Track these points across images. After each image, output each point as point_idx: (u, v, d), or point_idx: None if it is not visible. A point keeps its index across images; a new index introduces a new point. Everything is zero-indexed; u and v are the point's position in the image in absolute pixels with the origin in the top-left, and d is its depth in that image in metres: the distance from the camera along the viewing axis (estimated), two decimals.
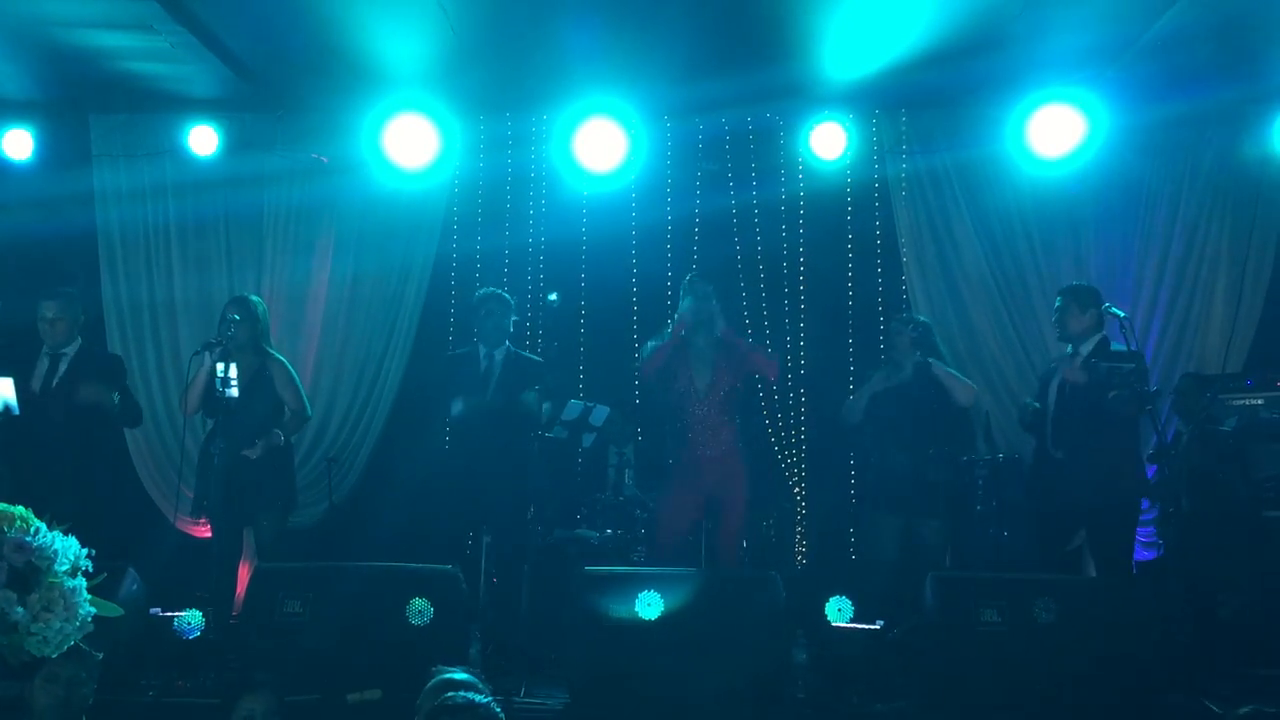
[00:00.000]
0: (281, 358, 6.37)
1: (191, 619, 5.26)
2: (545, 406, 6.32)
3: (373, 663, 5.08)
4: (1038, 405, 6.09)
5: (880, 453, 6.27)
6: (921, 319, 6.57)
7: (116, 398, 6.22)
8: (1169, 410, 6.90)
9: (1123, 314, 5.99)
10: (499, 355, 6.45)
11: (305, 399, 6.39)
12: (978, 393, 6.49)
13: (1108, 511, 5.86)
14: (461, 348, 6.79)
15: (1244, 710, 3.70)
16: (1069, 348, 6.12)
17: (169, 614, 5.39)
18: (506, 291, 6.64)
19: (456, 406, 6.40)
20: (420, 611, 5.20)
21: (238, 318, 6.00)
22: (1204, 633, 5.73)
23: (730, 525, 6.28)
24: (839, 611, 5.21)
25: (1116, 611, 5.16)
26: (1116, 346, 6.01)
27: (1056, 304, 6.21)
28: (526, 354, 6.67)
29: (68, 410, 6.05)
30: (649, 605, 5.12)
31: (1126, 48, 6.35)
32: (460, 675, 3.54)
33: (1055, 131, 6.71)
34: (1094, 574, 6.15)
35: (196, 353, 5.99)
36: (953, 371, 6.27)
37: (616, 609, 5.13)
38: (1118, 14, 5.98)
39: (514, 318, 6.59)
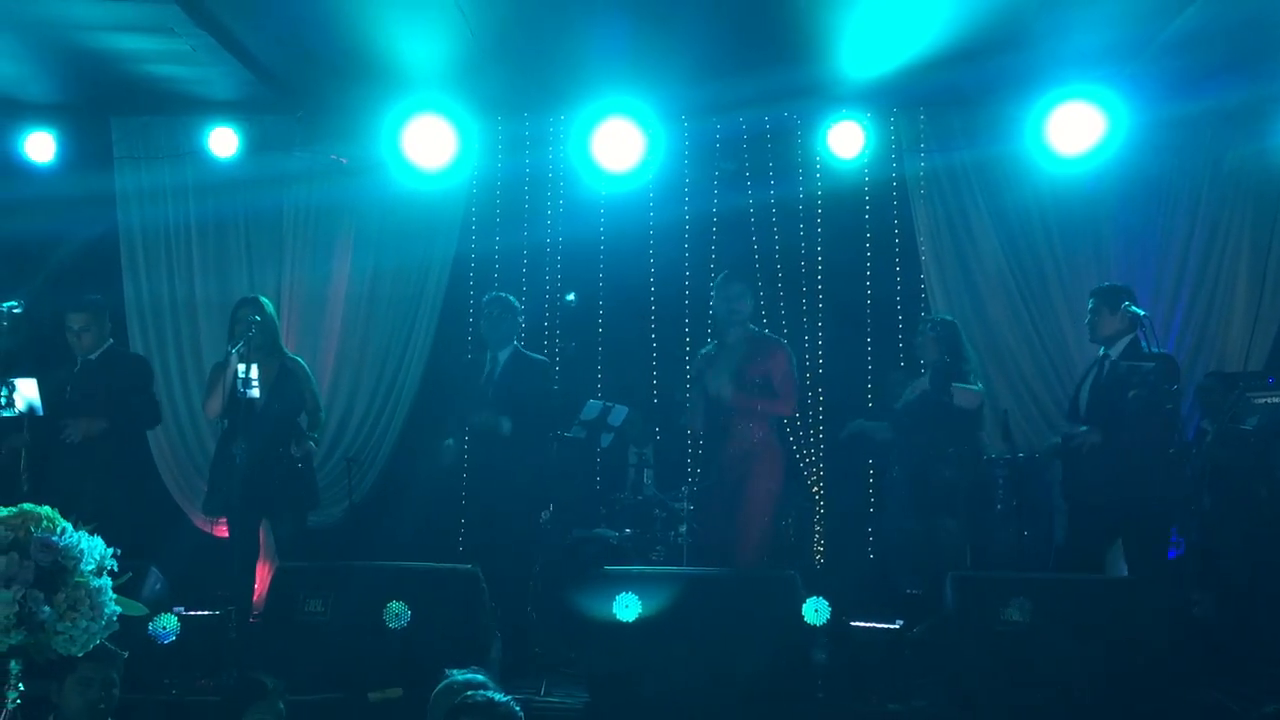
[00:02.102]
0: (300, 359, 6.41)
1: (166, 623, 5.22)
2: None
3: (393, 661, 5.11)
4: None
5: (895, 455, 6.25)
6: (945, 318, 6.56)
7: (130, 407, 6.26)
8: (1191, 408, 6.87)
9: (1142, 312, 5.96)
10: (502, 357, 6.38)
11: (321, 402, 6.46)
12: (985, 395, 6.44)
13: (1143, 512, 5.82)
14: (476, 354, 6.78)
15: (1269, 709, 3.69)
16: (1100, 349, 6.08)
17: (191, 612, 5.42)
18: (512, 295, 6.59)
19: (447, 451, 6.40)
20: (398, 615, 5.20)
21: (259, 319, 6.03)
22: (1226, 631, 5.70)
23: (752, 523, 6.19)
24: (815, 613, 5.14)
25: (1137, 610, 5.14)
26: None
27: (1090, 305, 6.12)
28: (531, 354, 6.57)
29: (95, 410, 6.09)
30: (626, 607, 5.11)
31: (1146, 45, 6.32)
32: (475, 675, 3.56)
33: (1074, 129, 6.69)
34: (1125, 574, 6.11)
35: (228, 354, 6.00)
36: (966, 387, 6.21)
37: (596, 610, 5.14)
38: (1137, 12, 5.96)
39: (521, 320, 6.55)
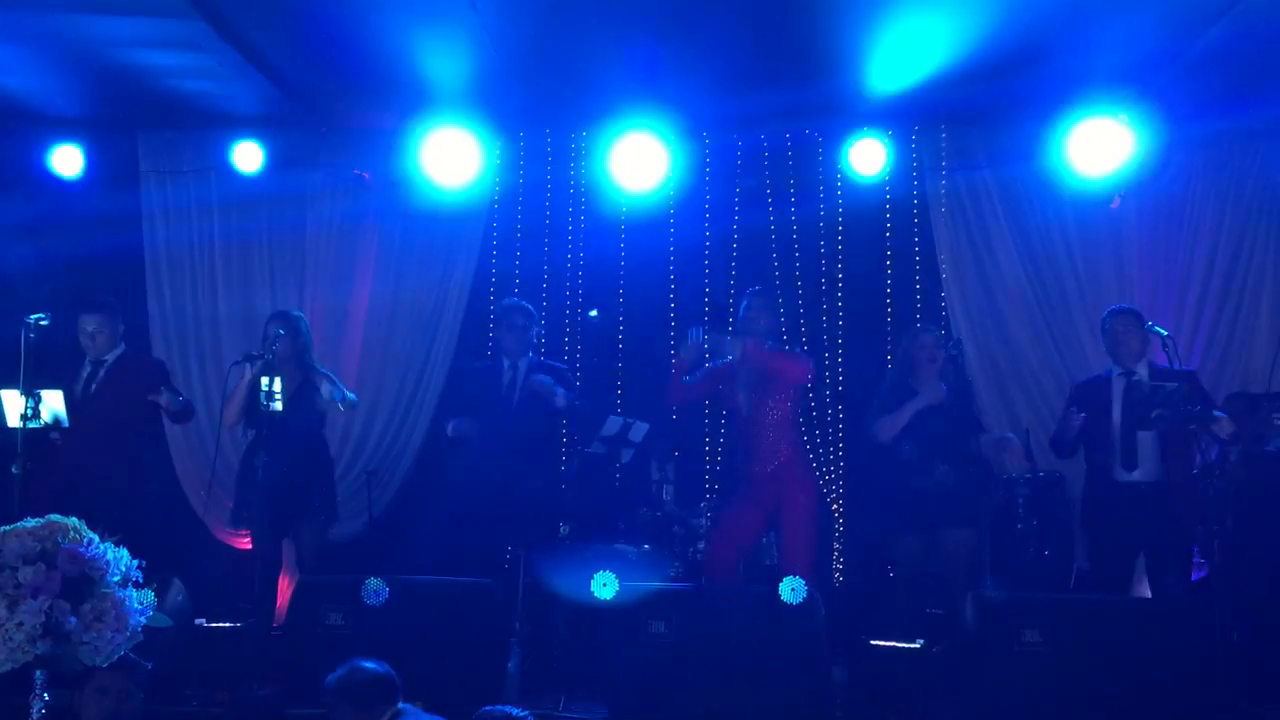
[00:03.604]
0: (328, 373, 6.44)
1: None
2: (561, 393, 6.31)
3: (413, 676, 5.11)
4: (1083, 415, 5.96)
5: (907, 470, 6.18)
6: (957, 338, 6.56)
7: (180, 399, 6.29)
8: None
9: (1165, 332, 5.93)
10: (523, 366, 6.41)
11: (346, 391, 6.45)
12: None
13: (1171, 535, 5.78)
14: (481, 361, 6.78)
15: None
16: (1115, 369, 6.05)
17: (213, 624, 5.44)
18: (529, 303, 6.65)
19: (452, 427, 6.39)
20: (376, 591, 5.25)
21: (281, 332, 6.07)
22: (1250, 652, 5.66)
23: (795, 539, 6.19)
24: (792, 591, 5.12)
25: (1160, 631, 5.11)
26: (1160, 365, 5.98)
27: (1127, 326, 6.05)
28: (549, 361, 6.65)
29: (108, 415, 6.11)
30: (604, 585, 5.14)
31: (1171, 63, 6.30)
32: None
33: (1097, 147, 6.68)
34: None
35: (236, 363, 6.07)
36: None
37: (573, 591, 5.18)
38: (1161, 29, 5.95)
39: (538, 329, 6.60)
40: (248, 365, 5.95)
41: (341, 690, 3.92)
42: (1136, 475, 5.85)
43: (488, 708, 3.49)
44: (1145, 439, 5.85)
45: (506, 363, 6.47)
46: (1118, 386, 5.98)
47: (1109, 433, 5.93)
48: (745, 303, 6.37)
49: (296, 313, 6.44)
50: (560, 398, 6.25)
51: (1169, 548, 5.87)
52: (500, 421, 6.32)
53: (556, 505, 6.45)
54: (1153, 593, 5.94)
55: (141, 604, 2.93)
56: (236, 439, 6.53)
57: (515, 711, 3.45)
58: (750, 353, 6.15)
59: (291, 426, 6.02)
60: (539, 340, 6.72)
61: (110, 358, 6.23)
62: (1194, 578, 6.39)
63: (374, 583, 5.28)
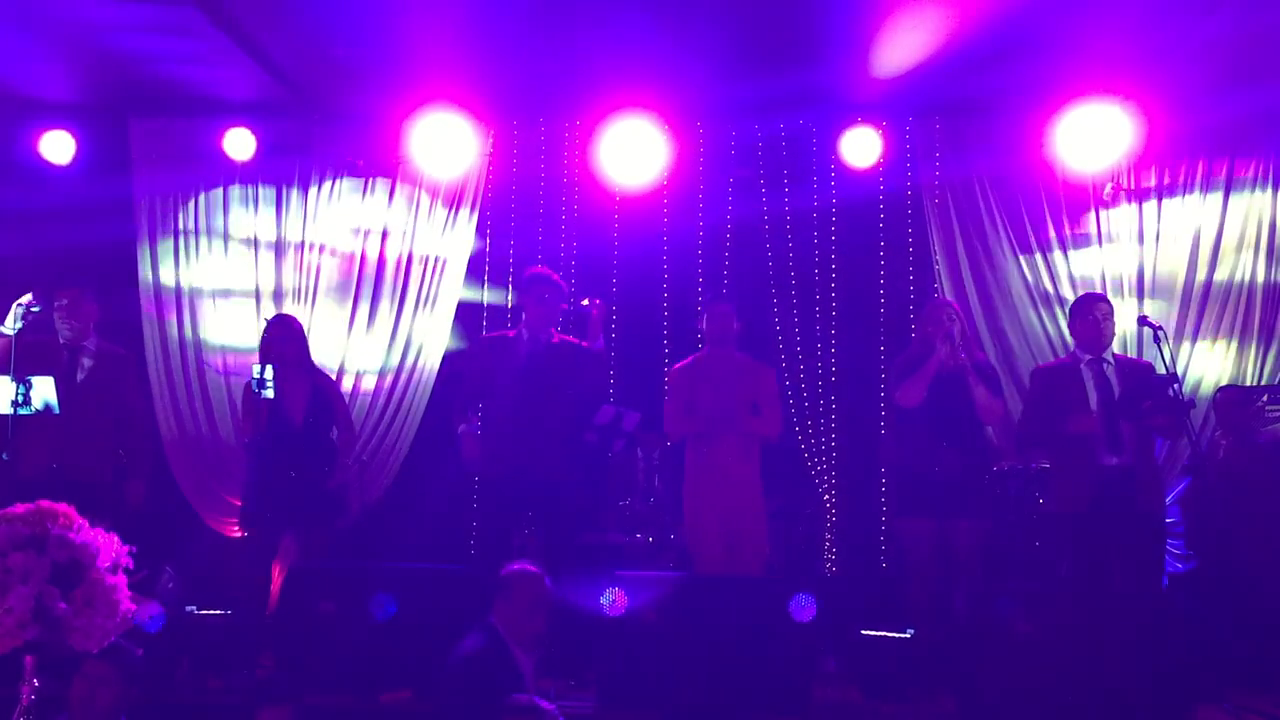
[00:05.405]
0: (331, 381, 6.41)
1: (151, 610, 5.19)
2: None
3: (405, 663, 5.13)
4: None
5: (916, 451, 6.10)
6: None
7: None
8: (1205, 420, 6.83)
9: (1158, 325, 5.92)
10: (544, 339, 6.06)
11: (352, 423, 6.54)
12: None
13: (1148, 521, 5.78)
14: (495, 332, 6.64)
15: None
16: (1083, 355, 5.99)
17: (203, 612, 5.44)
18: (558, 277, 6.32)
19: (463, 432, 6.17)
20: (383, 606, 5.24)
21: (290, 329, 6.13)
22: (1241, 642, 5.68)
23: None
24: (802, 609, 5.10)
25: (1152, 622, 5.12)
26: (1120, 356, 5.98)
27: (1106, 311, 5.96)
28: (567, 339, 6.22)
29: (95, 411, 6.04)
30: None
31: (1169, 52, 6.29)
32: None
33: (1091, 137, 6.69)
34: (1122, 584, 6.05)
35: (254, 379, 6.00)
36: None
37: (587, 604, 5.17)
38: (1160, 19, 5.95)
39: (563, 304, 6.22)
40: (265, 369, 5.86)
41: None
42: (1116, 461, 5.78)
43: (515, 694, 3.46)
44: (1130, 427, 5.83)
45: (526, 334, 6.10)
46: (1088, 373, 5.91)
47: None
48: (714, 309, 6.25)
49: (293, 316, 6.43)
50: (597, 341, 6.04)
51: (1143, 532, 5.83)
52: (514, 394, 5.97)
53: (566, 487, 6.22)
54: (1123, 576, 5.89)
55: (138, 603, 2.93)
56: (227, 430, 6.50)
57: (543, 703, 3.43)
58: (721, 363, 6.11)
59: (302, 431, 6.03)
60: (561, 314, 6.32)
61: (90, 346, 6.09)
62: (1183, 569, 6.41)
63: (382, 598, 5.25)
